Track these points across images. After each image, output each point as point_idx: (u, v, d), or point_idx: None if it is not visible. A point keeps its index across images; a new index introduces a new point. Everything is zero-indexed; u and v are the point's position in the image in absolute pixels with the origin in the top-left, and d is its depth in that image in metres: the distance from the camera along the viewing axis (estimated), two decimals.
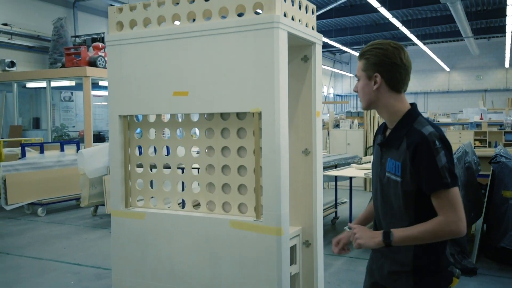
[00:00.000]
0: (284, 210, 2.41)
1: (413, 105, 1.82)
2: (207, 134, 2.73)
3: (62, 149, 8.82)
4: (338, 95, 33.81)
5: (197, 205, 2.81)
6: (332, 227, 6.95)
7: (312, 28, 2.85)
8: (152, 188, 2.90)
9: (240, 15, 2.48)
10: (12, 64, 12.63)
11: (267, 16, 2.36)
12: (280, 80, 2.36)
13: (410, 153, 1.68)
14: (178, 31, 2.58)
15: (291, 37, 2.58)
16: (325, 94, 32.77)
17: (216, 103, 2.52)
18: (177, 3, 2.61)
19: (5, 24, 12.61)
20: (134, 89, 2.74)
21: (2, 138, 11.48)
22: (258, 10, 2.45)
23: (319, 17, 17.26)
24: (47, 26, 13.05)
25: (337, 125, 11.17)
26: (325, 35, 20.71)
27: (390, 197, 1.79)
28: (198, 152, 2.85)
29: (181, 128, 2.82)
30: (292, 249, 2.76)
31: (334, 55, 31.42)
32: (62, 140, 11.03)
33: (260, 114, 2.41)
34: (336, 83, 34.14)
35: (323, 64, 29.76)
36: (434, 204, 1.67)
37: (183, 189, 2.97)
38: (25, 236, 6.65)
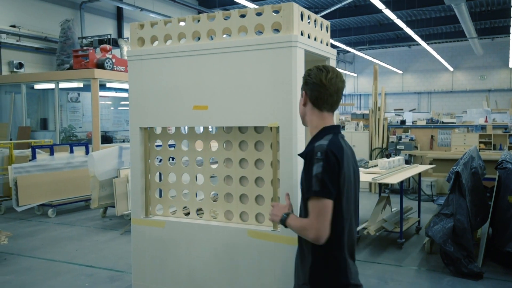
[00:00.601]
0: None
1: (331, 126, 1.97)
2: (225, 146, 2.83)
3: (71, 151, 8.94)
4: (342, 95, 33.91)
5: (202, 213, 2.89)
6: None
7: (327, 44, 2.95)
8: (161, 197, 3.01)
9: (258, 32, 2.58)
10: (20, 65, 12.76)
11: (285, 35, 2.46)
12: (297, 96, 2.46)
13: (303, 163, 1.87)
14: (199, 47, 2.68)
15: (307, 53, 2.68)
16: None
17: (234, 117, 2.62)
18: (198, 21, 2.71)
19: (13, 26, 12.74)
20: (155, 102, 2.84)
21: (11, 139, 11.61)
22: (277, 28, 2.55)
23: (323, 18, 17.34)
24: (55, 28, 13.17)
25: (342, 127, 11.27)
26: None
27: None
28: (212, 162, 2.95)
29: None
30: None
31: (338, 55, 31.51)
32: (70, 141, 11.17)
33: (277, 128, 2.51)
34: None
35: None
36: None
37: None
38: (37, 238, 6.77)
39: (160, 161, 3.08)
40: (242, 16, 2.60)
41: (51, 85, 11.53)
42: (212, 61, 2.66)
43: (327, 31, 2.96)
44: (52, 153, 8.72)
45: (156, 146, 2.99)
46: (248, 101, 2.58)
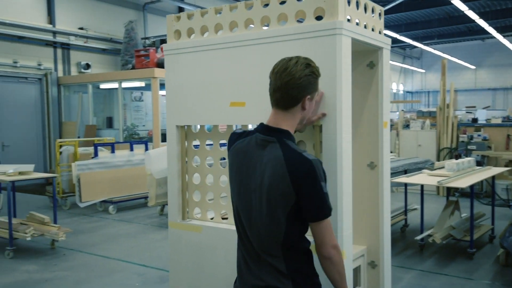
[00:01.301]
0: (346, 231, 2.23)
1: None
2: None
3: (131, 149, 9.10)
4: (408, 92, 32.52)
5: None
6: (402, 235, 6.60)
7: (380, 32, 2.63)
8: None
9: (300, 21, 2.33)
10: (88, 66, 13.27)
11: (328, 22, 2.19)
12: (343, 90, 2.19)
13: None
14: (235, 39, 2.47)
15: (356, 42, 2.39)
16: (394, 91, 31.64)
17: None
18: (235, 10, 2.50)
19: (81, 28, 13.27)
20: (191, 99, 2.67)
21: (79, 137, 12.09)
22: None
23: (388, 12, 16.60)
24: (119, 29, 13.57)
25: (407, 126, 10.65)
26: (394, 30, 19.92)
27: None
28: None
29: None
30: (356, 270, 2.57)
31: (404, 50, 30.22)
32: (132, 139, 11.42)
33: (321, 127, 2.25)
34: (406, 79, 32.85)
35: (391, 60, 28.55)
36: None
37: None
38: (96, 234, 6.91)
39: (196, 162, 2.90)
40: (282, 3, 2.35)
41: (116, 85, 11.86)
42: (249, 53, 2.44)
43: (380, 17, 2.64)
44: (113, 151, 8.90)
45: (194, 146, 2.81)
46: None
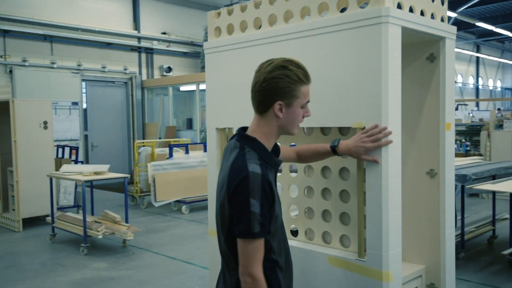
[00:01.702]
0: (394, 250, 1.93)
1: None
2: None
3: (205, 150, 9.19)
4: (507, 89, 29.93)
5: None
6: (488, 248, 5.95)
7: (442, 20, 2.28)
8: None
9: (343, 10, 2.07)
10: (169, 69, 13.71)
11: (373, 9, 1.90)
12: (389, 87, 1.89)
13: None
14: (273, 33, 2.27)
15: (411, 33, 2.07)
16: (491, 88, 29.28)
17: (314, 115, 2.14)
18: (276, 1, 2.29)
19: (164, 33, 13.75)
20: (231, 100, 2.50)
21: (160, 138, 12.52)
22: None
23: (482, 2, 15.32)
24: (199, 32, 13.87)
25: (500, 126, 9.68)
26: (490, 22, 18.36)
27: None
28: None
29: None
30: None
31: (503, 44, 27.85)
32: None
33: (363, 130, 1.97)
34: (505, 75, 30.27)
35: (488, 55, 26.35)
36: None
37: None
38: (167, 234, 7.02)
39: None
40: None
41: (194, 87, 12.12)
42: (288, 48, 2.22)
43: (442, 2, 2.29)
44: (187, 152, 9.05)
45: None
46: (328, 96, 2.08)
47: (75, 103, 11.91)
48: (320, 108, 2.11)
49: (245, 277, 1.60)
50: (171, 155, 8.77)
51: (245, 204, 1.56)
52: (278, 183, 2.40)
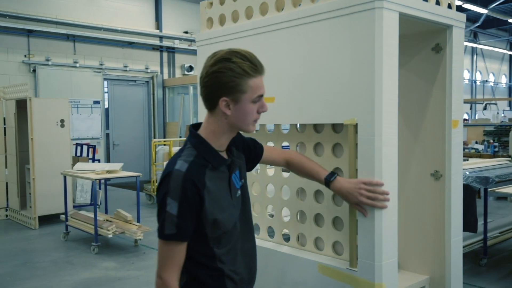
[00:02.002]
0: (388, 259, 1.75)
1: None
2: (299, 149, 2.19)
3: None
4: None
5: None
6: None
7: (449, 7, 2.08)
8: None
9: None
10: (191, 68, 13.68)
11: None
12: (383, 79, 1.71)
13: (237, 145, 1.69)
14: (264, 23, 2.11)
15: (413, 20, 1.89)
16: None
17: (305, 111, 1.98)
18: None
19: (186, 32, 13.72)
20: None
21: (180, 136, 12.49)
22: None
23: None
24: None
25: None
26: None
27: (248, 208, 1.72)
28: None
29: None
30: None
31: None
32: None
33: (356, 126, 1.79)
34: None
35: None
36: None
37: None
38: None
39: None
40: None
41: None
42: (279, 38, 2.06)
43: None
44: None
45: None
46: (320, 90, 1.92)
47: (97, 102, 11.99)
48: (311, 103, 1.94)
49: (157, 278, 1.51)
50: None
51: (162, 202, 1.46)
52: (270, 184, 2.24)
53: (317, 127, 2.09)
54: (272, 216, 2.30)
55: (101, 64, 12.27)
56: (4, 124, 7.98)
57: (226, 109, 1.50)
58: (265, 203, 2.31)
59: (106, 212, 6.88)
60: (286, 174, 2.22)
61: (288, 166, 1.92)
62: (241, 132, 1.63)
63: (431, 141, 2.14)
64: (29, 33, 11.35)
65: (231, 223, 1.57)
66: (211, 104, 1.53)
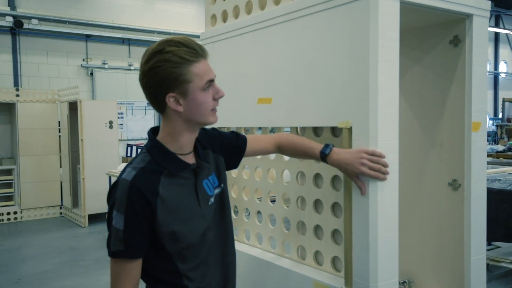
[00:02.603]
0: (385, 281, 1.54)
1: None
2: None
3: None
4: None
5: None
6: None
7: None
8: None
9: None
10: None
11: None
12: (378, 76, 1.51)
13: (214, 147, 1.57)
14: (262, 18, 1.96)
15: (423, 10, 1.67)
16: None
17: (301, 113, 1.81)
18: None
19: None
20: (225, 97, 2.23)
21: None
22: None
23: None
24: None
25: None
26: None
27: (226, 216, 1.56)
28: None
29: None
30: None
31: None
32: None
33: (350, 129, 1.60)
34: None
35: None
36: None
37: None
38: None
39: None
40: None
41: None
42: (276, 34, 1.90)
43: None
44: None
45: None
46: (315, 90, 1.74)
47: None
48: (307, 104, 1.77)
49: None
50: None
51: (109, 216, 1.32)
52: (257, 188, 2.09)
53: (317, 131, 1.91)
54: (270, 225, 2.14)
55: None
56: (59, 126, 8.32)
57: (177, 105, 1.34)
58: (267, 212, 2.15)
59: None
60: (286, 180, 2.05)
61: (280, 149, 1.73)
62: (202, 125, 1.44)
63: (449, 146, 1.89)
64: (87, 37, 11.82)
65: (196, 236, 1.41)
66: (159, 105, 1.37)
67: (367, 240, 1.53)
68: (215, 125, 1.71)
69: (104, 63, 11.94)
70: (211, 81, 1.38)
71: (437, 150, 1.94)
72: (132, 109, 12.01)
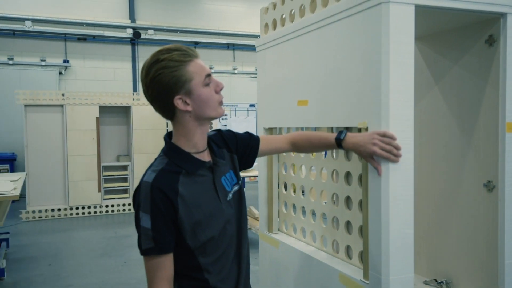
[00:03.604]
0: (399, 275, 1.60)
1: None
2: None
3: None
4: None
5: None
6: None
7: None
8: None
9: None
10: None
11: None
12: (390, 80, 1.58)
13: (228, 147, 1.68)
14: (301, 25, 2.10)
15: (452, 13, 1.69)
16: None
17: (329, 114, 1.92)
18: None
19: None
20: (273, 99, 2.42)
21: None
22: None
23: None
24: None
25: None
26: None
27: (243, 212, 1.66)
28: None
29: None
30: None
31: None
32: None
33: (367, 130, 1.69)
34: None
35: None
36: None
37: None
38: None
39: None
40: None
41: None
42: (310, 40, 2.03)
43: None
44: None
45: None
46: (340, 92, 1.84)
47: (252, 105, 12.76)
48: (333, 106, 1.88)
49: None
50: None
51: (136, 218, 1.43)
52: (302, 184, 2.22)
53: (333, 131, 2.03)
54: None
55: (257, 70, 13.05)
56: (167, 126, 9.07)
57: (185, 106, 1.44)
58: (309, 207, 2.29)
59: None
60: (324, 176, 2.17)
61: (295, 146, 1.81)
62: (210, 120, 1.51)
63: (485, 147, 1.86)
64: (196, 44, 12.66)
65: (217, 229, 1.51)
66: (169, 111, 1.48)
67: (380, 233, 1.61)
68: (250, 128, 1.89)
69: (211, 68, 12.69)
70: (209, 75, 1.47)
71: (473, 150, 1.91)
72: (235, 110, 12.60)
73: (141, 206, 1.41)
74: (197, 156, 1.52)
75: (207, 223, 1.49)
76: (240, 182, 1.68)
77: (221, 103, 1.51)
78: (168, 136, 1.56)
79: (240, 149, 1.72)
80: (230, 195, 1.60)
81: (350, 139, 1.65)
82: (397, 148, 1.57)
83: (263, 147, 1.78)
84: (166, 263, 1.43)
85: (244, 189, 7.07)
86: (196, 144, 1.52)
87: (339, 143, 1.68)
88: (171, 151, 1.51)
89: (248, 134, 1.80)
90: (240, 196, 1.66)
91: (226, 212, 1.56)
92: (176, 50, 1.43)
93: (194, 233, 1.46)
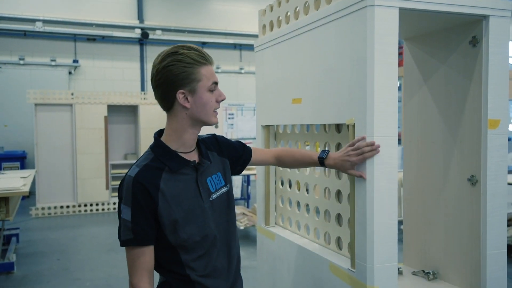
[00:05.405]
0: (382, 263, 1.70)
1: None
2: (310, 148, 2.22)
3: None
4: None
5: None
6: None
7: None
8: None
9: None
10: None
11: None
12: (375, 79, 1.67)
13: (221, 151, 1.74)
14: (295, 27, 2.20)
15: (437, 15, 1.78)
16: None
17: (319, 111, 2.02)
18: None
19: None
20: (270, 97, 2.52)
21: None
22: None
23: None
24: None
25: None
26: None
27: (231, 214, 1.72)
28: None
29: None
30: None
31: None
32: None
33: (354, 126, 1.78)
34: None
35: None
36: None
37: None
38: None
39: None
40: None
41: None
42: (303, 41, 2.13)
43: None
44: None
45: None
46: (328, 91, 1.95)
47: None
48: (323, 104, 1.98)
49: (129, 286, 1.52)
50: None
51: (118, 210, 1.51)
52: (297, 179, 2.32)
53: (326, 127, 2.13)
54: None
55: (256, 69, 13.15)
56: None
57: (185, 101, 1.50)
58: (304, 201, 2.38)
59: (248, 206, 7.43)
60: (317, 174, 2.27)
61: (279, 161, 1.94)
62: (204, 125, 1.57)
63: (469, 143, 1.94)
64: (203, 44, 12.78)
65: (198, 227, 1.55)
66: (168, 102, 1.53)
67: (365, 224, 1.70)
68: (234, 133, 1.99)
69: (217, 68, 12.82)
70: (216, 83, 1.56)
71: (458, 146, 2.00)
72: (242, 110, 12.72)
73: (123, 199, 1.48)
74: (183, 155, 1.57)
75: (187, 220, 1.52)
76: (229, 185, 1.72)
77: (216, 112, 1.58)
78: (158, 134, 1.63)
79: (233, 156, 1.81)
80: (214, 196, 1.63)
81: (332, 160, 1.80)
82: (369, 145, 1.67)
83: (253, 159, 1.89)
84: (145, 255, 1.49)
85: (249, 187, 7.25)
86: (185, 143, 1.58)
87: (321, 161, 1.83)
88: (158, 148, 1.57)
89: (241, 144, 1.89)
90: (228, 198, 1.70)
91: (209, 212, 1.59)
92: (196, 51, 1.53)
93: (174, 229, 1.50)
